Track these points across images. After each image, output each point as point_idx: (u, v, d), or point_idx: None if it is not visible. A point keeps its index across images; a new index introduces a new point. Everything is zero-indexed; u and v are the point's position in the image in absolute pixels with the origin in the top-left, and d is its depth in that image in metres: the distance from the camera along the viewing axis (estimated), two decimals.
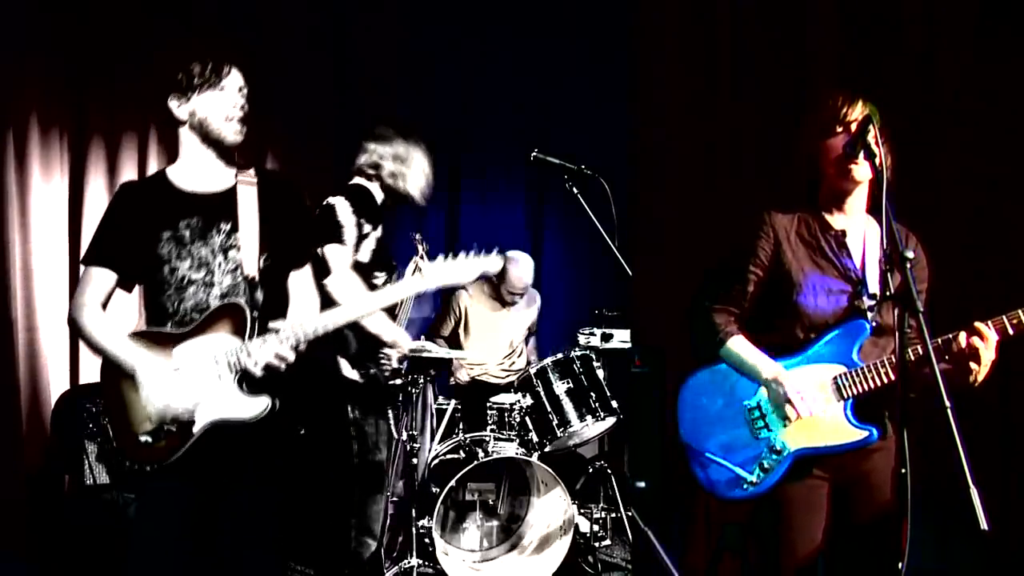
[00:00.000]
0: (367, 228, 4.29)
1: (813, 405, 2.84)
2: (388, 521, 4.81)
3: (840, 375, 2.86)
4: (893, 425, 2.90)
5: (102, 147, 5.90)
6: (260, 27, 6.19)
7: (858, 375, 2.84)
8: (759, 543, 3.04)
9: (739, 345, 2.98)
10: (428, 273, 3.01)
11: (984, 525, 2.21)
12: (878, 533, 2.83)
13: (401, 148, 4.44)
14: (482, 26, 6.93)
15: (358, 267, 4.25)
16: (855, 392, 2.84)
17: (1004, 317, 2.72)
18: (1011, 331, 2.71)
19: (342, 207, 4.23)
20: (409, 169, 4.44)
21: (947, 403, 2.33)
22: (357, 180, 4.45)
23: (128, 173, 5.94)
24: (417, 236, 5.06)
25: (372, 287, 4.28)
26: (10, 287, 5.39)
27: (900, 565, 2.43)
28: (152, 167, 5.98)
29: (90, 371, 5.67)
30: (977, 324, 2.70)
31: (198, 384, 2.87)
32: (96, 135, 5.89)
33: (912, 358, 2.71)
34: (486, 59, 6.94)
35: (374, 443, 4.48)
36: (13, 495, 5.27)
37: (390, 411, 4.75)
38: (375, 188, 4.44)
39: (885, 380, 2.80)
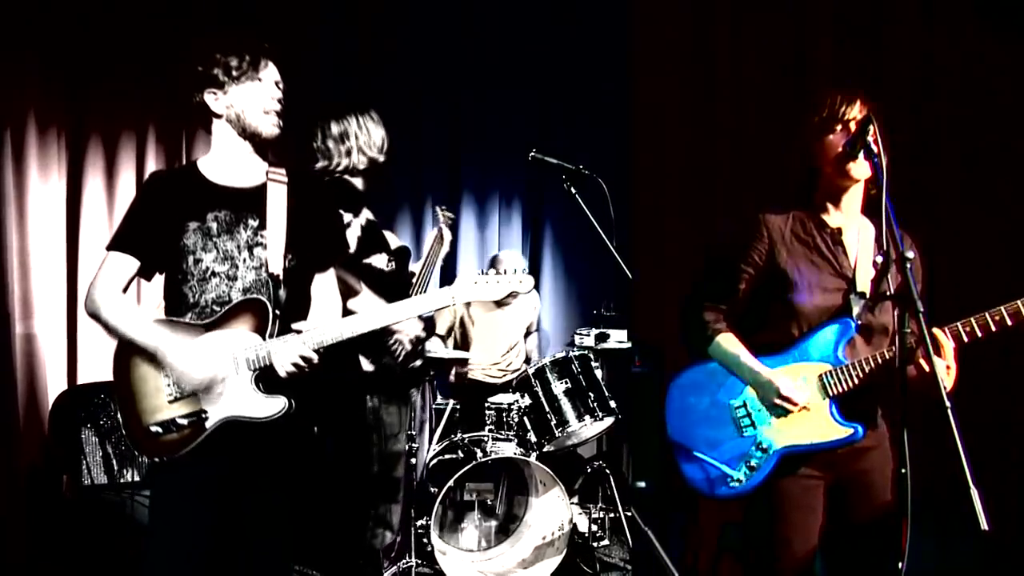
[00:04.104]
0: (347, 217, 4.24)
1: (801, 398, 2.86)
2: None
3: (825, 373, 2.88)
4: (888, 424, 2.92)
5: (100, 147, 5.90)
6: (257, 26, 6.17)
7: (842, 372, 2.86)
8: (753, 542, 3.04)
9: (727, 342, 3.01)
10: (459, 289, 3.01)
11: (984, 525, 2.21)
12: (877, 533, 2.83)
13: (336, 128, 4.37)
14: (481, 25, 6.92)
15: (347, 258, 4.22)
16: (840, 390, 2.86)
17: (959, 324, 2.75)
18: (966, 339, 2.75)
19: None
20: (353, 140, 4.37)
21: (947, 403, 2.34)
22: (328, 178, 4.40)
23: (126, 173, 5.94)
24: (442, 208, 5.05)
25: (367, 272, 4.25)
26: (7, 287, 5.36)
27: (900, 565, 2.43)
28: (150, 166, 5.98)
29: (88, 371, 5.67)
30: (935, 330, 2.72)
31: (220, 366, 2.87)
32: (94, 135, 5.88)
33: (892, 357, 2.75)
34: (485, 59, 6.93)
35: (394, 433, 4.46)
36: (11, 495, 5.25)
37: (415, 393, 4.72)
38: (346, 176, 4.39)
39: (867, 377, 2.82)
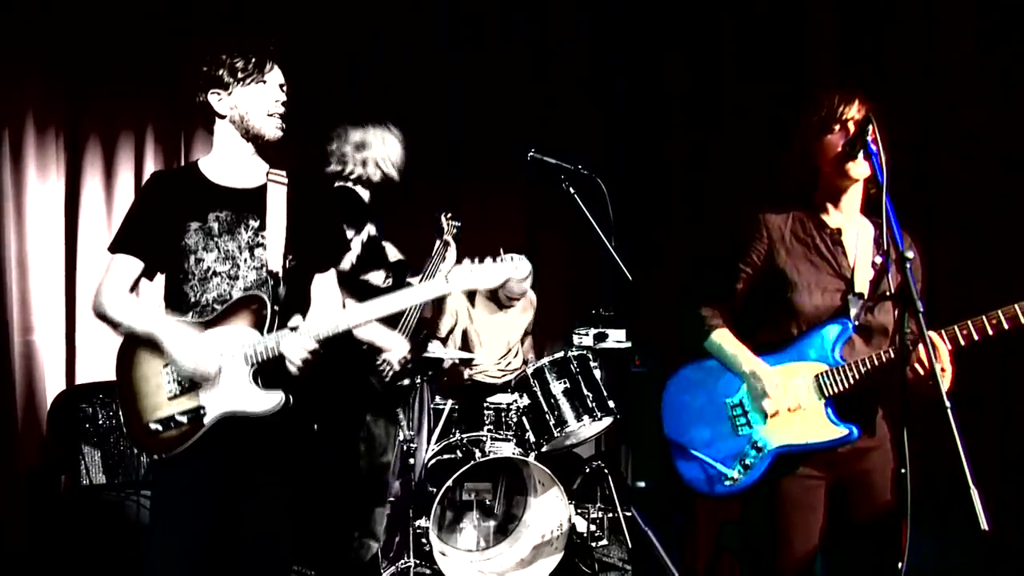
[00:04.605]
0: (349, 234, 4.20)
1: (790, 401, 2.88)
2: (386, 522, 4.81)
3: (821, 373, 2.88)
4: (889, 424, 2.93)
5: (98, 147, 5.89)
6: (255, 27, 6.16)
7: (839, 373, 2.86)
8: (753, 542, 3.05)
9: (723, 338, 3.02)
10: (454, 277, 2.99)
11: (984, 525, 2.22)
12: (877, 533, 2.84)
13: (357, 135, 4.33)
14: (480, 25, 6.92)
15: (341, 277, 4.18)
16: (836, 390, 2.86)
17: (955, 327, 2.74)
18: (963, 342, 2.74)
19: None
20: (372, 151, 4.34)
21: (947, 403, 2.34)
22: (337, 183, 4.38)
23: (124, 173, 5.93)
24: (447, 216, 5.02)
25: (363, 289, 4.23)
26: (6, 287, 5.38)
27: (900, 565, 2.44)
28: (148, 167, 5.97)
29: (86, 371, 5.66)
30: (931, 333, 2.70)
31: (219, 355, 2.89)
32: (92, 135, 5.88)
33: (888, 359, 2.77)
34: (484, 58, 6.93)
35: (382, 446, 4.47)
36: (9, 495, 5.26)
37: (400, 412, 4.74)
38: (355, 186, 4.36)
39: (865, 378, 2.82)
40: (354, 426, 4.40)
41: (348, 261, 4.23)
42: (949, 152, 4.73)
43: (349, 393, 4.32)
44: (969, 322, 2.73)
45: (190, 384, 2.90)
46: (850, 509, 2.91)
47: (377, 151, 4.34)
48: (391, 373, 4.39)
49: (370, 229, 4.31)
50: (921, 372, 2.68)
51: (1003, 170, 4.56)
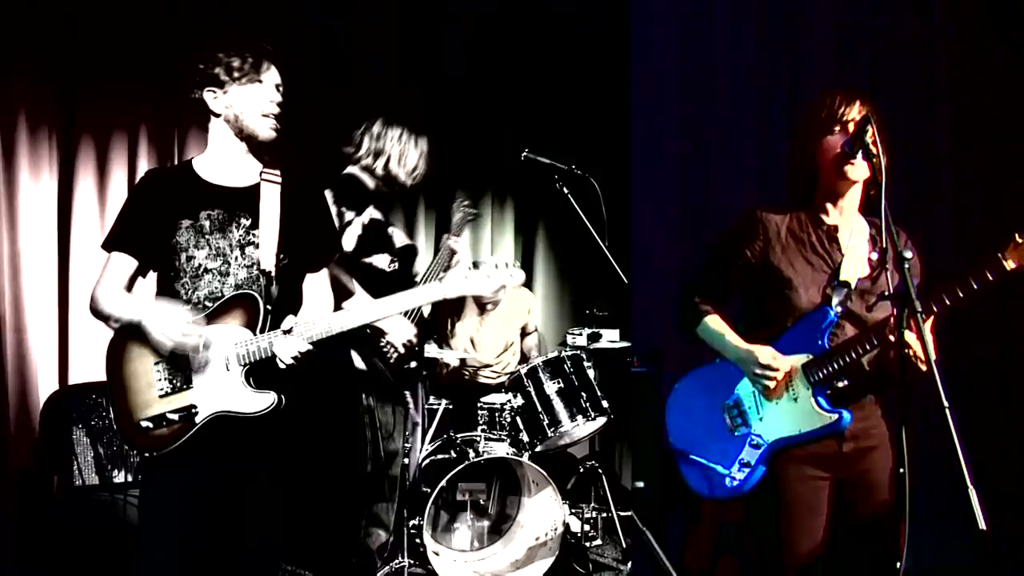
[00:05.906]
0: (349, 215, 4.23)
1: (783, 365, 2.90)
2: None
3: (808, 361, 2.91)
4: (888, 423, 2.94)
5: (91, 146, 5.85)
6: (252, 26, 6.14)
7: (825, 359, 2.88)
8: (756, 543, 3.06)
9: (714, 323, 3.08)
10: (448, 282, 3.02)
11: (983, 525, 2.23)
12: (877, 532, 2.85)
13: (378, 127, 4.40)
14: (477, 23, 6.90)
15: (343, 257, 4.20)
16: (823, 375, 2.89)
17: (928, 298, 2.75)
18: (935, 309, 2.74)
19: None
20: (386, 147, 4.38)
21: (946, 404, 2.35)
22: (347, 169, 4.43)
23: (118, 172, 5.90)
24: (463, 202, 5.02)
25: (367, 272, 4.24)
26: None
27: (899, 565, 2.45)
28: (141, 166, 5.94)
29: (79, 372, 5.64)
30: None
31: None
32: (85, 134, 5.84)
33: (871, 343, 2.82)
34: (481, 57, 6.91)
35: (389, 432, 4.46)
36: (1, 496, 5.24)
37: (408, 395, 4.73)
38: (362, 174, 4.38)
39: (850, 360, 2.84)
40: (358, 413, 4.41)
41: (350, 242, 4.25)
42: (949, 152, 4.75)
43: (351, 379, 4.33)
44: (941, 292, 2.72)
45: (182, 382, 2.90)
46: (851, 509, 2.93)
47: (393, 151, 4.38)
48: (395, 355, 4.39)
49: (372, 212, 4.32)
50: (911, 355, 2.68)
51: (1004, 169, 4.58)
